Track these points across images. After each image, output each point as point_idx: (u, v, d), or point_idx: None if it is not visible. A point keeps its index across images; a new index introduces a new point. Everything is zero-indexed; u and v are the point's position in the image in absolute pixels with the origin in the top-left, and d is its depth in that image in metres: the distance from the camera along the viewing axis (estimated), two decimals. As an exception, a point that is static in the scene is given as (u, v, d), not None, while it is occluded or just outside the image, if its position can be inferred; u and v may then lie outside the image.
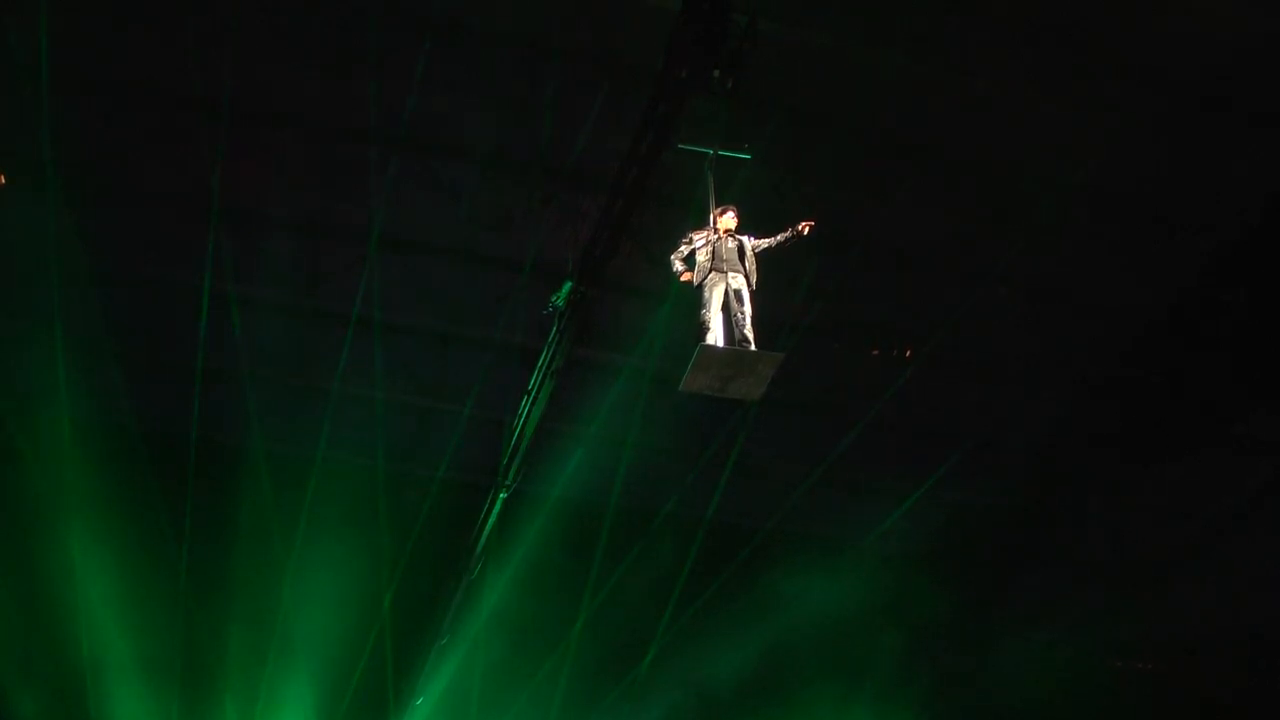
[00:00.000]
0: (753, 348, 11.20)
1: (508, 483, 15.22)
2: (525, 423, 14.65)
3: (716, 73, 11.26)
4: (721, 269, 11.41)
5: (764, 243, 11.54)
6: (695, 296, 11.48)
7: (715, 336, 11.20)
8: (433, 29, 12.54)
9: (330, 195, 14.17)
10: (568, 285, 13.31)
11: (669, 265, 11.61)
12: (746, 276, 11.40)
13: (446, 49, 12.74)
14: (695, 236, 11.58)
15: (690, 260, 11.51)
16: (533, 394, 14.39)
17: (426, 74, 12.88)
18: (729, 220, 11.60)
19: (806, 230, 11.50)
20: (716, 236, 11.52)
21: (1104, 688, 18.73)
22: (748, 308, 11.28)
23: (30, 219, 13.60)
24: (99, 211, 13.99)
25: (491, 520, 15.49)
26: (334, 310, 15.01)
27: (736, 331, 11.19)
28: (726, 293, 11.38)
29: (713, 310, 11.32)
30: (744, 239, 11.53)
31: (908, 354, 15.70)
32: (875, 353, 15.85)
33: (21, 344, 14.67)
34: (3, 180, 12.67)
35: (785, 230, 11.54)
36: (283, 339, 15.32)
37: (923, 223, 14.33)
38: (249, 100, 13.12)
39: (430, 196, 14.10)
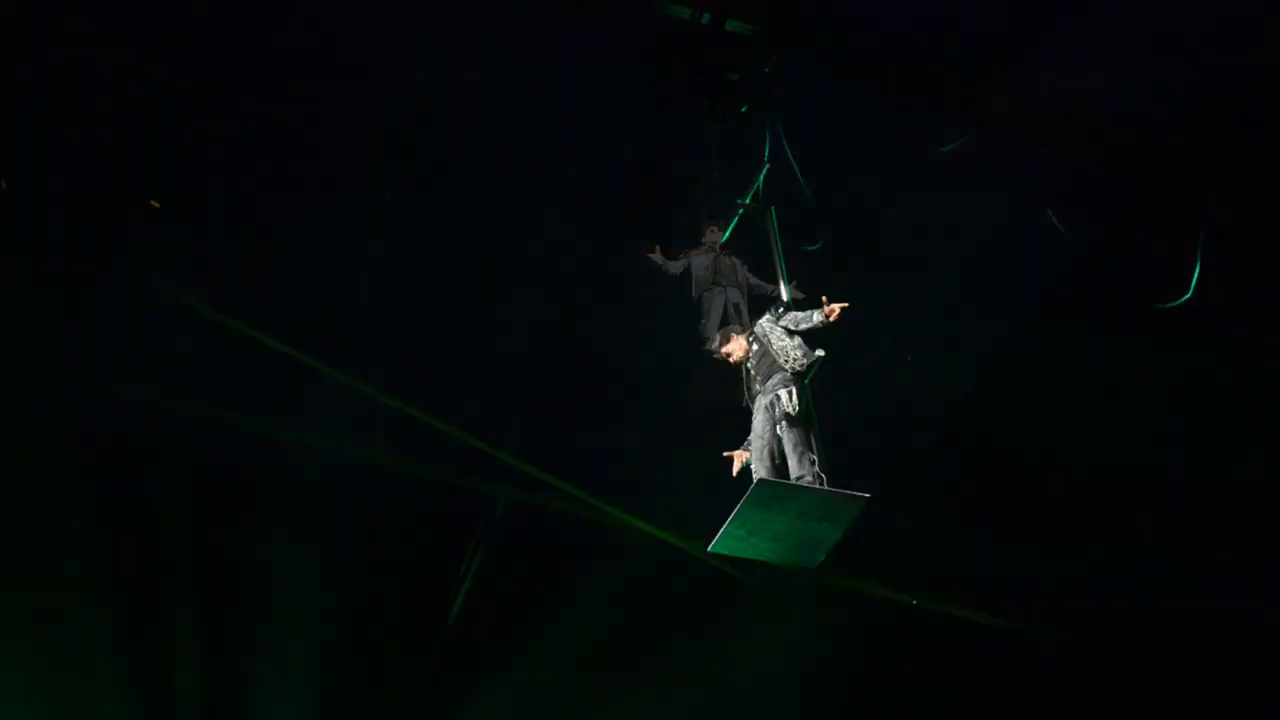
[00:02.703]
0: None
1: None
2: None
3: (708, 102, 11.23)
4: (721, 283, 11.38)
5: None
6: (695, 308, 11.40)
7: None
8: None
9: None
10: None
11: (664, 268, 11.48)
12: (741, 291, 11.36)
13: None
14: (693, 253, 11.53)
15: (686, 270, 11.46)
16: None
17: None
18: (714, 235, 11.56)
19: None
20: (715, 253, 11.51)
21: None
22: (746, 319, 11.10)
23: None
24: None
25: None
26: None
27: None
28: (725, 306, 11.32)
29: (713, 320, 11.22)
30: (736, 259, 11.48)
31: None
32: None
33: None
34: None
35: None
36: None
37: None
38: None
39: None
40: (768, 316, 10.18)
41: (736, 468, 10.06)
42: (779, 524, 9.38)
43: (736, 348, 10.29)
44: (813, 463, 9.41)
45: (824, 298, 9.75)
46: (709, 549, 9.70)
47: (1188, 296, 12.31)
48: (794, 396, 9.62)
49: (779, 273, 10.51)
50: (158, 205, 12.46)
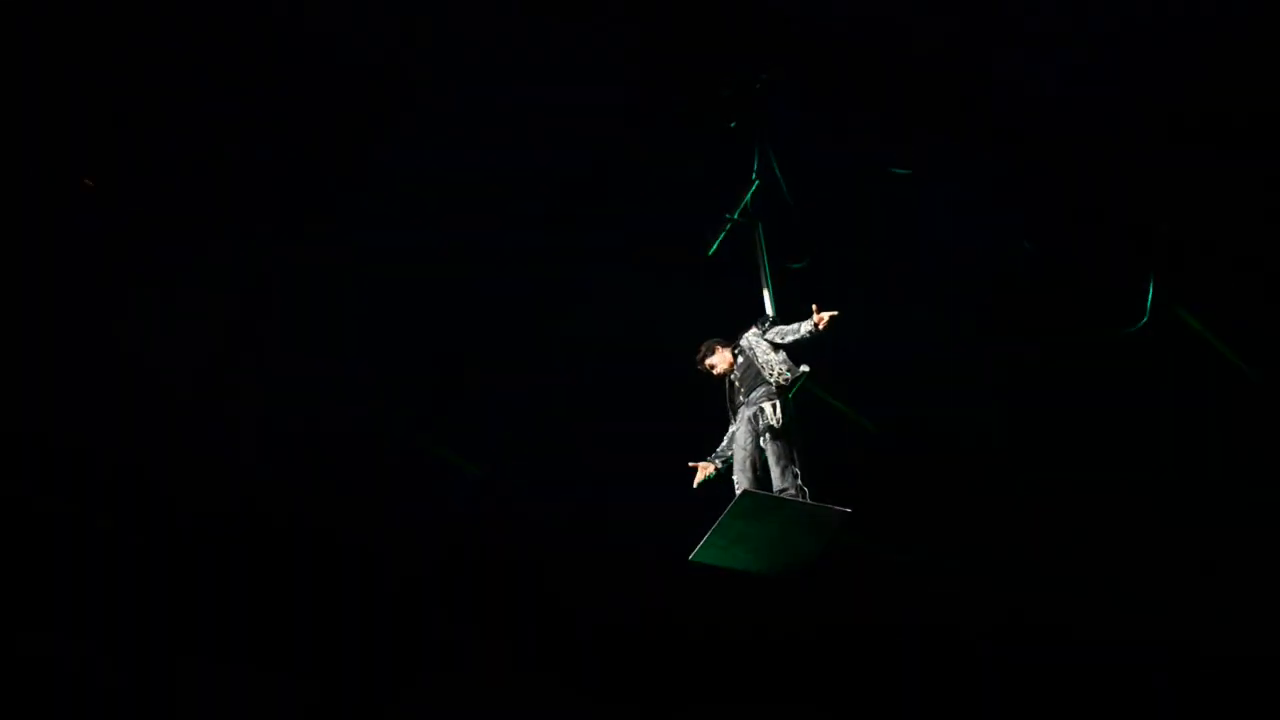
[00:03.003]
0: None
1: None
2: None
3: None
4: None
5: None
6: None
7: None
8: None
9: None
10: None
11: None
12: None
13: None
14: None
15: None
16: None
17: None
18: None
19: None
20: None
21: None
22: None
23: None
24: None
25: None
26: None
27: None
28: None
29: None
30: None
31: None
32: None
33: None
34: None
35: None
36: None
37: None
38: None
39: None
40: (754, 330, 10.14)
41: (699, 479, 10.06)
42: (761, 535, 9.49)
43: (721, 360, 10.35)
44: (795, 476, 9.47)
45: (813, 305, 9.67)
46: (690, 558, 9.73)
47: (1144, 321, 12.66)
48: (778, 410, 9.71)
49: (765, 287, 10.56)
50: (91, 184, 12.27)
